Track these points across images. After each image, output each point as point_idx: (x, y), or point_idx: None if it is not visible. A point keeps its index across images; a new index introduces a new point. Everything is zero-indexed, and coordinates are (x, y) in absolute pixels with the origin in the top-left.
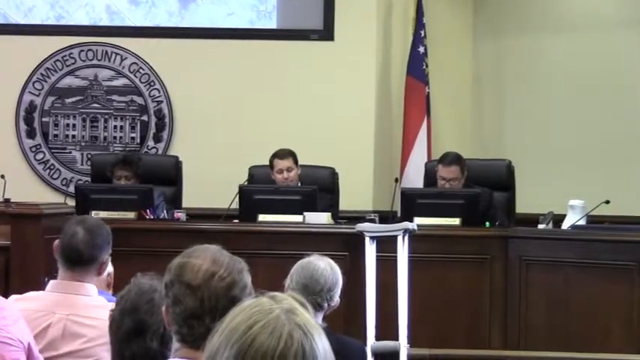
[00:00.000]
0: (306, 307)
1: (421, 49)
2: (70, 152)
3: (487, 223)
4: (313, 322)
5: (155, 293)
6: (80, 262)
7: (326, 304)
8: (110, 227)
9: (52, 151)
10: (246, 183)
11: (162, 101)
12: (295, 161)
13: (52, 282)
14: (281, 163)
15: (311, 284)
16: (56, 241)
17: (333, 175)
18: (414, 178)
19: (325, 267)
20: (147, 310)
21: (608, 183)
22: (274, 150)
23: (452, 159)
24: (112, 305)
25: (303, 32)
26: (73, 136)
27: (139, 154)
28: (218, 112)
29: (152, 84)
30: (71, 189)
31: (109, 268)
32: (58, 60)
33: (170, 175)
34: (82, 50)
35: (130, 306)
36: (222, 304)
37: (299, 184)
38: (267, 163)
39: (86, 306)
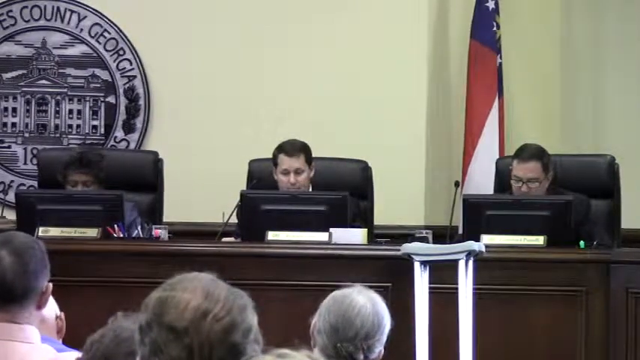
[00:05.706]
0: None
1: (490, 4)
2: (10, 146)
3: (581, 243)
4: None
5: None
6: (12, 298)
7: (361, 356)
8: (65, 249)
9: None
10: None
11: (134, 76)
12: (308, 160)
13: None
14: (287, 162)
15: (342, 326)
16: None
17: (364, 171)
18: (481, 180)
19: (364, 304)
20: None
21: None
22: (284, 139)
23: (531, 153)
24: (71, 356)
25: None
26: (13, 125)
27: (102, 151)
28: (212, 91)
29: (121, 53)
30: (11, 197)
31: (56, 308)
32: None
33: (146, 178)
34: (25, 7)
35: (101, 356)
36: (219, 354)
37: (310, 190)
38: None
39: (27, 358)
